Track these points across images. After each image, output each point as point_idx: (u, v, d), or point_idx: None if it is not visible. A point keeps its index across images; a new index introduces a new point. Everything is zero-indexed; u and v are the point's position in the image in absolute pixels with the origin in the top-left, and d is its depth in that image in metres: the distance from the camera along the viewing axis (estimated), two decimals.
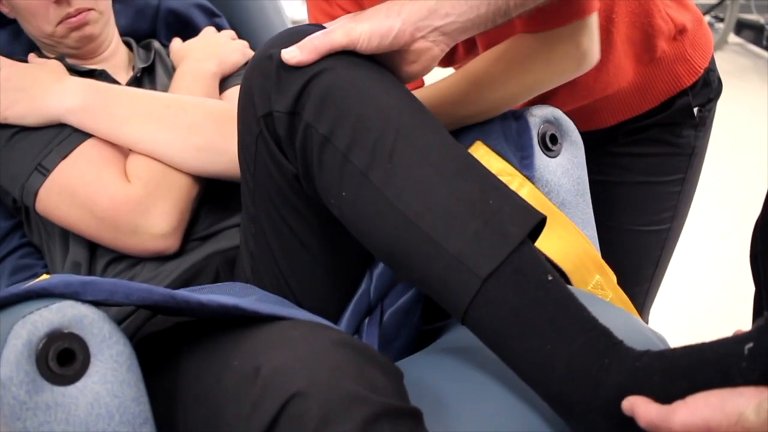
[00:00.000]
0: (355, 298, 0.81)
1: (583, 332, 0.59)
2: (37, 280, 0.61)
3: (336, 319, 0.82)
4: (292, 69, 0.68)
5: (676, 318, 1.90)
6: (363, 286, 0.81)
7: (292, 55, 0.67)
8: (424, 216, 0.63)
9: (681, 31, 1.02)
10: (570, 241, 0.87)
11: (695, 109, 1.05)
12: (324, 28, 0.71)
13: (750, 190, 2.49)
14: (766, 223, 0.70)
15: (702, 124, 1.08)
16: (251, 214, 0.80)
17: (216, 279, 0.92)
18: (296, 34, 0.70)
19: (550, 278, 0.61)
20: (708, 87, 1.06)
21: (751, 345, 0.51)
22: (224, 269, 0.93)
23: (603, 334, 0.59)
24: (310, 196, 0.73)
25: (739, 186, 2.52)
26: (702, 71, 1.04)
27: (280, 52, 0.68)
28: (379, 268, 0.81)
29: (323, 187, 0.69)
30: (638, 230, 1.12)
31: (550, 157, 0.91)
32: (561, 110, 1.03)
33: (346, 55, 0.69)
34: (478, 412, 0.64)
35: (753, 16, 4.17)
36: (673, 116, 1.05)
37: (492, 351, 0.63)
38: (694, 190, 1.14)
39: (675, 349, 0.57)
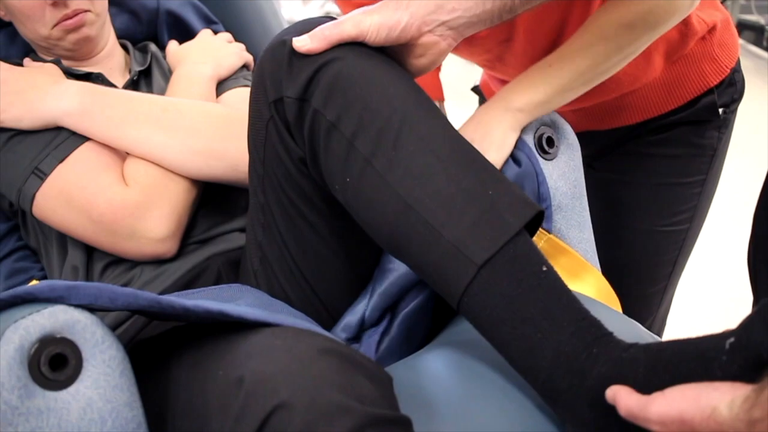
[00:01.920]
0: (346, 317, 0.81)
1: (574, 322, 0.60)
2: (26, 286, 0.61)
3: (350, 302, 0.83)
4: (303, 56, 0.70)
5: (677, 317, 1.90)
6: (361, 304, 0.81)
7: (303, 43, 0.69)
8: (424, 203, 0.64)
9: (710, 30, 1.03)
10: (597, 287, 0.87)
11: (720, 110, 1.06)
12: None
13: (749, 191, 2.48)
14: (756, 232, 0.71)
15: (725, 126, 1.08)
16: (260, 202, 0.80)
17: (218, 280, 0.92)
18: (310, 24, 0.72)
19: (544, 269, 0.62)
20: (732, 87, 1.07)
21: (732, 340, 0.52)
22: (226, 269, 0.93)
23: (593, 325, 0.61)
24: (317, 181, 0.74)
25: (738, 187, 2.51)
26: (728, 71, 1.05)
27: (292, 40, 0.70)
28: (383, 287, 0.81)
29: (329, 173, 0.71)
30: (656, 230, 1.12)
31: (546, 159, 0.90)
32: (587, 104, 1.03)
33: (356, 46, 0.71)
34: (471, 416, 0.64)
35: (753, 17, 4.16)
36: (698, 114, 1.06)
37: (484, 337, 0.64)
38: (714, 192, 1.14)
39: (661, 343, 0.58)
